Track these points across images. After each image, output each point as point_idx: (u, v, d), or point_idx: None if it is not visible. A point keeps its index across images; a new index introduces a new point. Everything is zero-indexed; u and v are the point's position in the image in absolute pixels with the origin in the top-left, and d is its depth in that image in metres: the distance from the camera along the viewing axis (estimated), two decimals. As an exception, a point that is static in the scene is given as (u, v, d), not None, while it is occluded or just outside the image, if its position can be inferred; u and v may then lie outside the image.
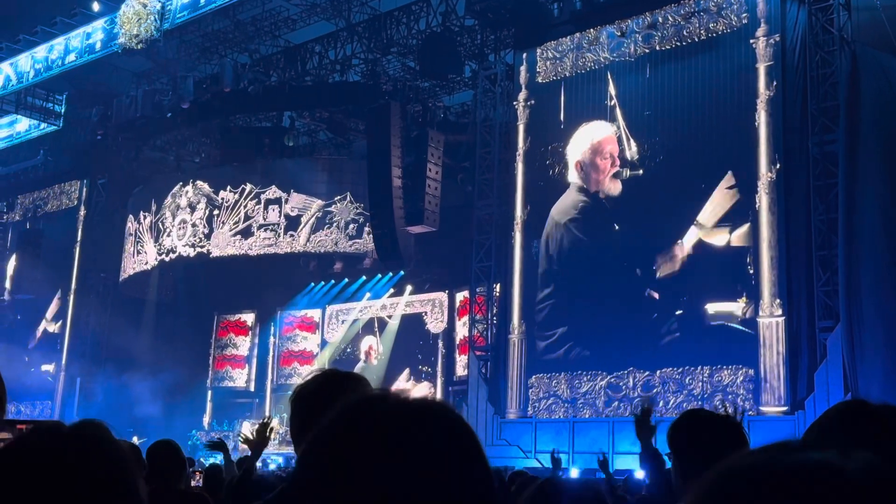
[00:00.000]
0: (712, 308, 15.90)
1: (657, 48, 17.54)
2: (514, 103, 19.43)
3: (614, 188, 17.73)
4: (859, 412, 1.79)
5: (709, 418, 2.81)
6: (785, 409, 14.81)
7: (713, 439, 2.63)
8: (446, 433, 0.98)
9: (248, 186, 24.96)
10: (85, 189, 28.72)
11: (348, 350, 25.91)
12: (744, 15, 16.53)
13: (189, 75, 23.24)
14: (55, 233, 28.86)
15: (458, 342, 23.08)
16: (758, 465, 0.72)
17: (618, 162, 17.66)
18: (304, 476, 0.98)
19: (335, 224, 24.13)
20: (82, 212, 28.63)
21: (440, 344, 23.90)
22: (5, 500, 1.19)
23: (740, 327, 15.56)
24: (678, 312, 16.42)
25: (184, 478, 4.80)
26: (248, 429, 23.44)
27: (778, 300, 15.24)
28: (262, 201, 24.75)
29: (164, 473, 4.35)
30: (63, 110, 27.37)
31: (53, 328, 28.31)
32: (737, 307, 15.69)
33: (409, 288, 24.60)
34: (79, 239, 28.42)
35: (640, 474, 13.96)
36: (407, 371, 24.43)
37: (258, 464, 10.24)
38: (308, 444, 1.01)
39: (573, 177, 18.21)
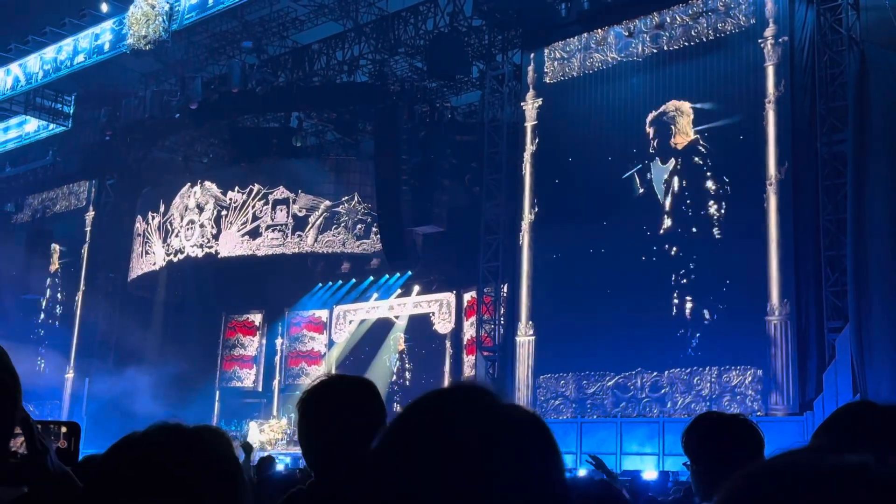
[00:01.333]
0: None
1: (665, 48, 17.51)
2: (522, 103, 19.42)
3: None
4: (867, 413, 1.78)
5: (721, 420, 2.80)
6: (794, 410, 14.76)
7: (726, 441, 2.62)
8: (534, 438, 1.04)
9: (256, 187, 24.99)
10: (93, 189, 28.80)
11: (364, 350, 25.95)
12: (752, 15, 16.49)
13: (197, 76, 23.28)
14: (64, 233, 28.97)
15: (465, 342, 23.06)
16: (791, 467, 0.71)
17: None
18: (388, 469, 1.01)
19: (343, 224, 24.14)
20: (91, 212, 28.71)
21: (448, 344, 23.89)
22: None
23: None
24: (687, 312, 16.39)
25: None
26: (255, 429, 23.51)
27: (786, 300, 15.20)
28: (270, 202, 24.77)
29: None
30: (72, 111, 27.44)
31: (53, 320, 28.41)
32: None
33: (416, 288, 24.61)
34: (87, 239, 28.50)
35: (648, 475, 13.97)
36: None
37: (274, 461, 10.26)
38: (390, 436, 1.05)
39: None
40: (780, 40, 16.01)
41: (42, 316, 29.42)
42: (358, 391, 2.30)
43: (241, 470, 1.36)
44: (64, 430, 2.05)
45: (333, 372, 25.32)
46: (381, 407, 2.29)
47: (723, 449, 2.59)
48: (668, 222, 17.07)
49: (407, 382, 24.51)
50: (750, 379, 15.49)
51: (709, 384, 15.93)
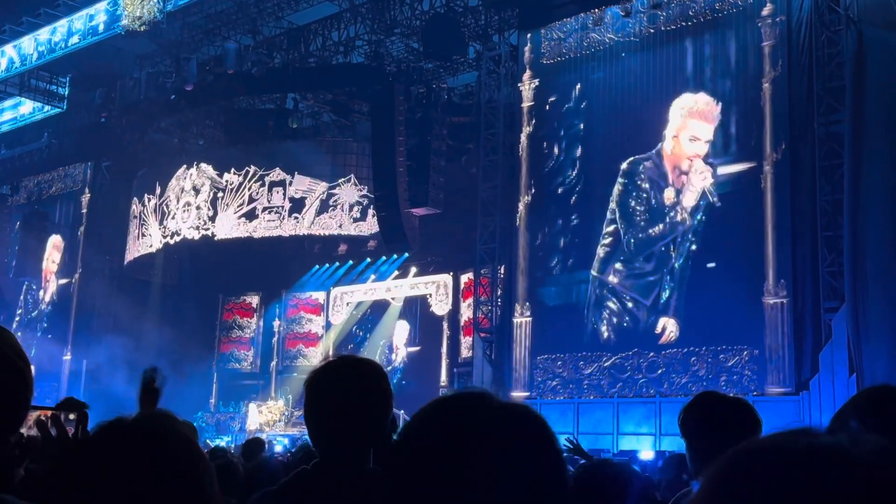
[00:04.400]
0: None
1: (662, 28, 17.45)
2: (519, 84, 19.36)
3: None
4: (887, 397, 1.79)
5: (720, 400, 2.81)
6: (789, 389, 14.83)
7: (723, 421, 2.63)
8: (533, 434, 1.11)
9: (253, 169, 24.94)
10: (89, 172, 28.72)
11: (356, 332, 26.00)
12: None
13: (192, 57, 23.17)
14: (60, 215, 28.92)
15: (462, 324, 23.11)
16: (768, 447, 0.73)
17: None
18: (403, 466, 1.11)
19: (339, 206, 24.12)
20: (87, 194, 28.64)
21: (445, 326, 23.94)
22: (72, 497, 1.21)
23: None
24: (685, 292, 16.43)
25: None
26: (254, 410, 23.58)
27: (783, 281, 15.23)
28: (267, 183, 24.73)
29: None
30: (67, 93, 27.31)
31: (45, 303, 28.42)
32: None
33: (413, 270, 24.62)
34: (83, 222, 28.46)
35: (644, 455, 14.04)
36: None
37: (265, 443, 10.27)
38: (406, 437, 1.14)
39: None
40: (778, 20, 15.96)
41: (39, 298, 29.40)
42: (364, 373, 2.30)
43: (203, 465, 1.30)
44: (72, 417, 2.08)
45: (331, 353, 25.39)
46: (388, 389, 2.30)
47: (718, 429, 2.60)
48: (664, 203, 17.12)
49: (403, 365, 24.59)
50: (746, 359, 15.54)
51: (705, 364, 15.98)
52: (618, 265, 17.50)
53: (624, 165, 17.87)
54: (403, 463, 1.09)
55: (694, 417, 2.74)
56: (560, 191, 18.64)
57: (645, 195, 17.54)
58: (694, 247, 16.53)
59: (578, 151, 18.49)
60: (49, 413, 2.06)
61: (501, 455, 1.05)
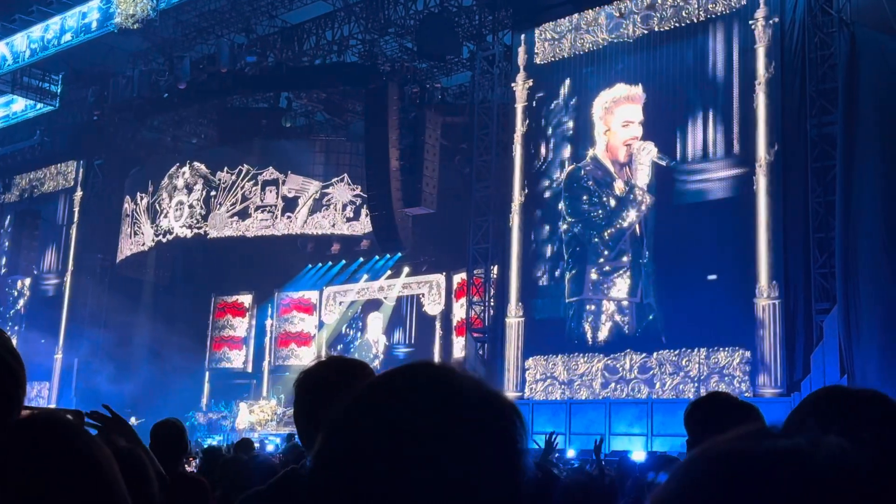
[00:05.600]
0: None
1: (656, 29, 17.48)
2: (513, 84, 19.37)
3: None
4: (837, 397, 1.78)
5: (727, 401, 2.82)
6: (781, 390, 14.86)
7: (730, 422, 2.64)
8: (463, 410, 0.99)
9: (246, 167, 24.91)
10: (81, 170, 28.64)
11: (348, 333, 25.99)
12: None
13: (185, 55, 23.13)
14: (52, 213, 28.85)
15: (455, 324, 23.11)
16: (728, 451, 0.73)
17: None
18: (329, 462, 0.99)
19: (332, 206, 24.10)
20: (79, 192, 28.56)
21: (437, 325, 23.94)
22: None
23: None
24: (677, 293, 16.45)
25: (182, 461, 4.78)
26: (245, 410, 23.54)
27: (775, 282, 15.26)
28: (260, 182, 24.71)
29: (164, 454, 4.30)
30: (59, 90, 27.23)
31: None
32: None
33: (406, 270, 24.61)
34: (76, 220, 28.38)
35: (636, 456, 14.06)
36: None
37: (256, 445, 10.26)
38: (328, 430, 1.02)
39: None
40: (771, 21, 15.99)
41: (30, 296, 29.30)
42: (354, 373, 2.30)
43: (105, 465, 1.25)
44: (69, 417, 2.07)
45: (324, 353, 25.37)
46: None
47: (724, 430, 2.60)
48: (618, 194, 17.38)
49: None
50: (738, 360, 15.57)
51: (697, 365, 16.00)
52: (593, 275, 17.50)
53: (562, 176, 18.09)
54: (332, 455, 0.98)
55: (702, 414, 2.75)
56: (547, 195, 18.59)
57: (597, 196, 17.76)
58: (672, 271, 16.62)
59: (567, 152, 18.46)
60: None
61: (448, 448, 0.95)
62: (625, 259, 17.25)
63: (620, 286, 17.22)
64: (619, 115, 17.69)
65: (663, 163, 16.79)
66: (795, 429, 0.73)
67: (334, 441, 0.99)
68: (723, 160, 16.38)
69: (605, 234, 17.51)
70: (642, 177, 17.22)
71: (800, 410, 1.82)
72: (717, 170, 16.42)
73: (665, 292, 16.60)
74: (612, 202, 17.54)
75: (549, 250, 18.28)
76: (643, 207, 17.14)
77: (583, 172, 17.97)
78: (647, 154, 17.10)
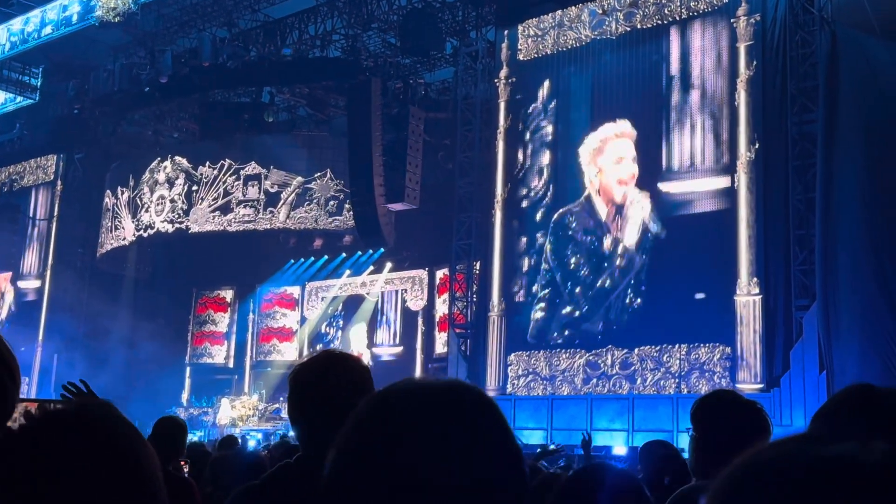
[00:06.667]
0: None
1: (639, 26, 17.53)
2: (496, 81, 19.38)
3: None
4: (867, 397, 1.77)
5: (733, 398, 2.85)
6: (761, 386, 14.97)
7: (735, 420, 2.67)
8: (474, 420, 1.03)
9: (228, 162, 24.79)
10: (62, 163, 28.42)
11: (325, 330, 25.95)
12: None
13: (167, 49, 22.98)
14: (31, 207, 28.63)
15: (437, 320, 23.12)
16: (778, 458, 0.71)
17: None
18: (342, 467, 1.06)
19: (315, 201, 24.04)
20: (59, 186, 28.35)
21: (420, 321, 23.94)
22: (10, 491, 1.18)
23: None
24: (657, 290, 16.52)
25: (173, 461, 4.76)
26: (227, 405, 23.46)
27: (755, 279, 15.36)
28: (242, 177, 24.60)
29: (162, 451, 4.28)
30: (39, 84, 27.02)
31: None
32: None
33: (388, 265, 24.59)
34: (56, 214, 28.17)
35: (618, 450, 14.13)
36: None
37: (238, 441, 10.23)
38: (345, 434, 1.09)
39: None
40: (752, 20, 16.07)
41: (11, 293, 29.07)
42: (349, 368, 2.31)
43: (150, 459, 1.26)
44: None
45: (305, 349, 25.33)
46: (371, 383, 2.32)
47: (730, 427, 2.64)
48: (604, 251, 17.22)
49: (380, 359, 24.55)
50: (718, 356, 15.67)
51: (678, 361, 16.10)
52: (565, 331, 17.48)
53: (555, 218, 17.86)
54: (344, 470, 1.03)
55: (709, 411, 2.78)
56: (524, 204, 18.54)
57: (583, 252, 17.45)
58: (643, 287, 16.59)
59: (546, 158, 18.44)
60: (36, 406, 2.06)
61: (439, 454, 0.99)
62: (598, 324, 17.13)
63: (589, 329, 17.22)
64: (609, 152, 17.33)
65: (653, 229, 16.50)
66: (838, 432, 0.72)
67: (341, 462, 1.07)
68: (707, 160, 16.44)
69: (587, 291, 17.26)
70: (631, 233, 16.87)
71: (828, 409, 1.81)
72: (701, 171, 16.45)
73: (647, 290, 16.67)
74: (597, 260, 17.24)
75: (525, 263, 18.22)
76: (626, 271, 16.84)
77: (571, 220, 17.64)
78: (641, 210, 16.71)
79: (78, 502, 1.17)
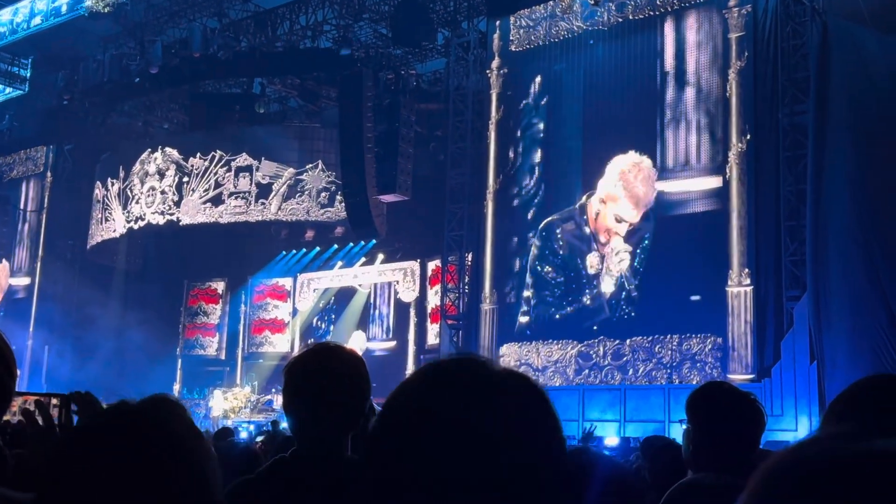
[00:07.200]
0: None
1: (630, 17, 17.51)
2: (487, 71, 19.35)
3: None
4: (889, 388, 1.75)
5: (729, 390, 2.87)
6: (752, 376, 15.03)
7: (730, 412, 2.68)
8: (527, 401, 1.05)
9: (218, 153, 24.70)
10: (51, 155, 28.29)
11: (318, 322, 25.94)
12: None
13: (157, 39, 22.87)
14: (21, 199, 28.51)
15: (429, 311, 23.12)
16: (823, 454, 0.69)
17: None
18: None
19: (307, 192, 23.99)
20: (49, 178, 28.23)
21: (412, 312, 23.94)
22: (64, 486, 1.18)
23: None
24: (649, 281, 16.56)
25: None
26: (219, 397, 23.44)
27: (746, 269, 15.40)
28: (233, 169, 24.52)
29: None
30: (29, 74, 26.87)
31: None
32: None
33: (380, 256, 24.57)
34: (46, 205, 28.05)
35: (610, 441, 14.17)
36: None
37: (233, 432, 10.22)
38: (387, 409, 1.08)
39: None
40: (744, 10, 16.07)
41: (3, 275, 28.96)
42: (344, 360, 2.31)
43: (202, 442, 1.28)
44: (55, 402, 2.08)
45: (297, 341, 25.31)
46: (366, 376, 2.33)
47: (725, 418, 2.65)
48: (588, 270, 17.20)
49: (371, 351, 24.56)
50: (710, 346, 15.72)
51: (669, 352, 16.14)
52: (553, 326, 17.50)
53: (542, 225, 17.80)
54: (390, 432, 1.03)
55: (705, 403, 2.79)
56: (515, 203, 18.50)
57: (565, 266, 17.38)
58: (636, 281, 16.55)
59: (538, 156, 18.41)
60: (32, 399, 2.06)
61: (503, 423, 0.99)
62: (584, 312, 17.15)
63: (581, 321, 17.19)
64: (621, 204, 17.00)
65: (629, 285, 16.44)
66: (877, 428, 0.69)
67: (381, 438, 1.05)
68: (703, 159, 16.42)
69: (568, 308, 17.29)
70: (608, 283, 16.87)
71: (846, 401, 1.76)
72: (696, 170, 16.42)
73: (640, 284, 16.70)
74: (578, 275, 17.18)
75: (517, 264, 18.24)
76: (619, 296, 16.81)
77: (559, 231, 17.54)
78: (619, 262, 16.60)
79: (136, 500, 1.18)
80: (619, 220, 16.92)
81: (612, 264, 16.79)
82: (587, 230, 17.33)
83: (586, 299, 17.08)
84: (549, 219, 17.77)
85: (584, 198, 17.47)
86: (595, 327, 16.87)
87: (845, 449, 0.68)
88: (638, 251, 16.68)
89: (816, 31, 15.03)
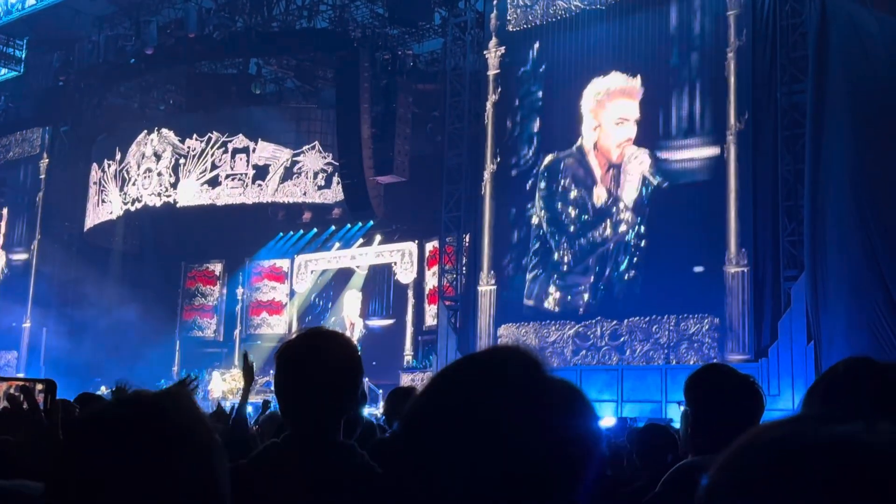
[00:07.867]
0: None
1: (628, -4, 17.40)
2: (485, 52, 19.25)
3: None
4: (867, 372, 1.75)
5: (727, 372, 2.85)
6: (749, 356, 15.06)
7: (729, 395, 2.67)
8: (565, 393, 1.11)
9: (215, 135, 24.62)
10: (47, 136, 28.18)
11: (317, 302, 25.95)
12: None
13: (152, 20, 22.74)
14: (17, 181, 28.43)
15: (427, 292, 23.13)
16: (782, 438, 0.70)
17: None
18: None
19: (304, 174, 23.93)
20: (45, 159, 28.13)
21: (409, 294, 23.95)
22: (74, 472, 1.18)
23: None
24: (647, 261, 16.56)
25: None
26: (217, 378, 23.48)
27: (744, 250, 15.39)
28: (230, 150, 24.45)
29: None
30: (24, 56, 26.74)
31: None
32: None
33: (378, 238, 24.55)
34: (42, 187, 27.98)
35: (606, 422, 14.20)
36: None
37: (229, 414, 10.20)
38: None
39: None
40: (743, -11, 15.98)
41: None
42: (336, 345, 2.29)
43: (211, 436, 1.27)
44: (40, 387, 2.08)
45: (295, 322, 25.32)
46: (358, 360, 2.31)
47: (724, 402, 2.64)
48: (596, 204, 17.14)
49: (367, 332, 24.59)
50: (707, 327, 15.74)
51: (667, 332, 16.16)
52: (552, 289, 17.47)
53: (546, 161, 17.72)
54: (426, 424, 1.05)
55: (704, 385, 2.77)
56: (514, 173, 18.43)
57: (572, 196, 17.33)
58: (634, 259, 16.52)
59: (536, 125, 18.36)
60: (17, 384, 2.05)
61: (548, 431, 1.03)
62: (590, 278, 17.03)
63: (578, 302, 17.19)
64: (612, 110, 17.07)
65: (654, 181, 16.39)
66: (841, 412, 0.70)
67: (415, 429, 1.07)
68: (699, 132, 16.39)
69: (575, 244, 17.21)
70: (630, 191, 16.68)
71: (827, 383, 1.77)
72: (693, 143, 16.39)
73: (638, 262, 16.69)
74: (587, 211, 17.12)
75: (515, 236, 18.20)
76: (623, 228, 16.72)
77: (562, 165, 17.49)
78: (639, 165, 16.44)
79: (144, 492, 1.17)
80: (621, 122, 16.85)
81: (631, 169, 16.53)
82: (592, 169, 17.21)
83: (598, 232, 16.96)
84: (551, 157, 17.67)
85: (578, 140, 17.46)
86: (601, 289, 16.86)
87: (806, 434, 0.69)
88: (638, 219, 16.66)
89: (815, 10, 14.95)
